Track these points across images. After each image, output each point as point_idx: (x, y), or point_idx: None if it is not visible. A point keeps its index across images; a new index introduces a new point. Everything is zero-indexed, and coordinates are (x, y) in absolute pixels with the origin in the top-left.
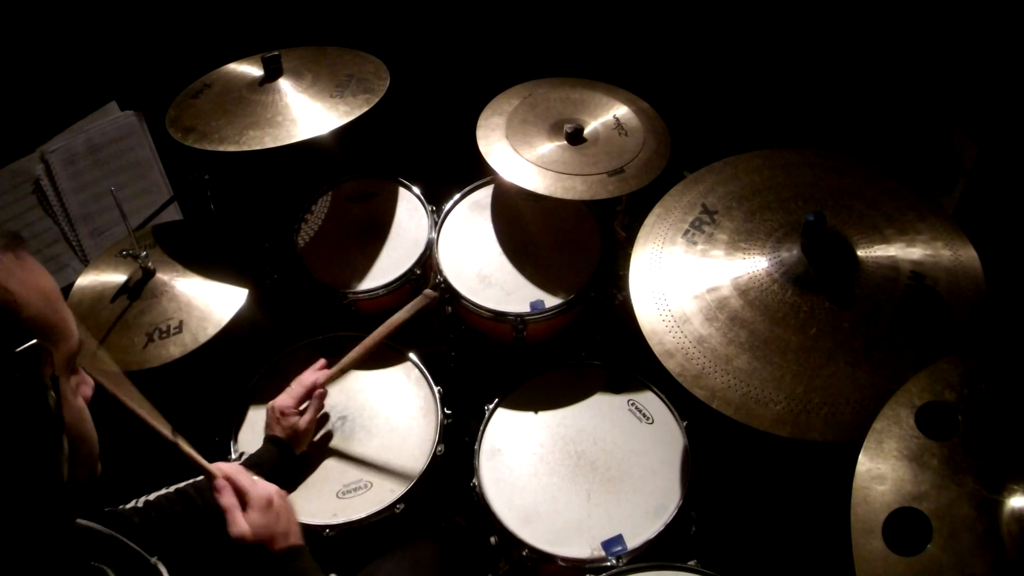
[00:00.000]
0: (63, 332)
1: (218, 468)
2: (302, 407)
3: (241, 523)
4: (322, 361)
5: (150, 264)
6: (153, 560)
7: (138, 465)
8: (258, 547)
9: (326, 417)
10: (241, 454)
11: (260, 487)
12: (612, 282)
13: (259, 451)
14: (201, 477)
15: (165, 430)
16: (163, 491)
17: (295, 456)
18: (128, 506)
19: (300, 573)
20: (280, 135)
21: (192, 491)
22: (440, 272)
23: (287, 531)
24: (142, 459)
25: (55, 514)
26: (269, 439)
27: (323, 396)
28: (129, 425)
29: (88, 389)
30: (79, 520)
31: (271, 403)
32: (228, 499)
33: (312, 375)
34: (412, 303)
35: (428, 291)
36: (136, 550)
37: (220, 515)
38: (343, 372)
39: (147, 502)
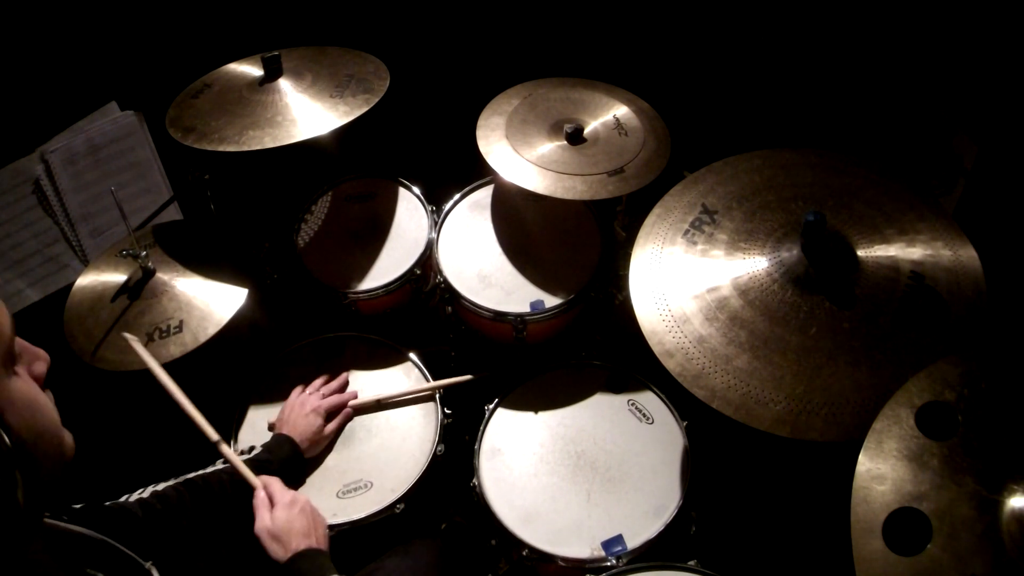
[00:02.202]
0: None
1: (261, 479)
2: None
3: (265, 517)
4: (345, 375)
5: (150, 264)
6: (147, 565)
7: (149, 454)
8: (276, 543)
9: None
10: (251, 448)
11: (291, 491)
12: (612, 282)
13: (270, 443)
14: (210, 469)
15: (211, 432)
16: (171, 481)
17: (304, 459)
18: (133, 497)
19: (309, 571)
20: (280, 135)
21: (200, 482)
22: (440, 272)
23: (307, 531)
24: (152, 449)
25: (19, 536)
26: (280, 436)
27: (350, 416)
28: (147, 417)
29: (42, 364)
30: (69, 526)
31: (299, 398)
32: (259, 499)
33: (351, 393)
34: (467, 377)
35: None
36: (129, 555)
37: (226, 509)
38: (376, 407)
39: (154, 492)
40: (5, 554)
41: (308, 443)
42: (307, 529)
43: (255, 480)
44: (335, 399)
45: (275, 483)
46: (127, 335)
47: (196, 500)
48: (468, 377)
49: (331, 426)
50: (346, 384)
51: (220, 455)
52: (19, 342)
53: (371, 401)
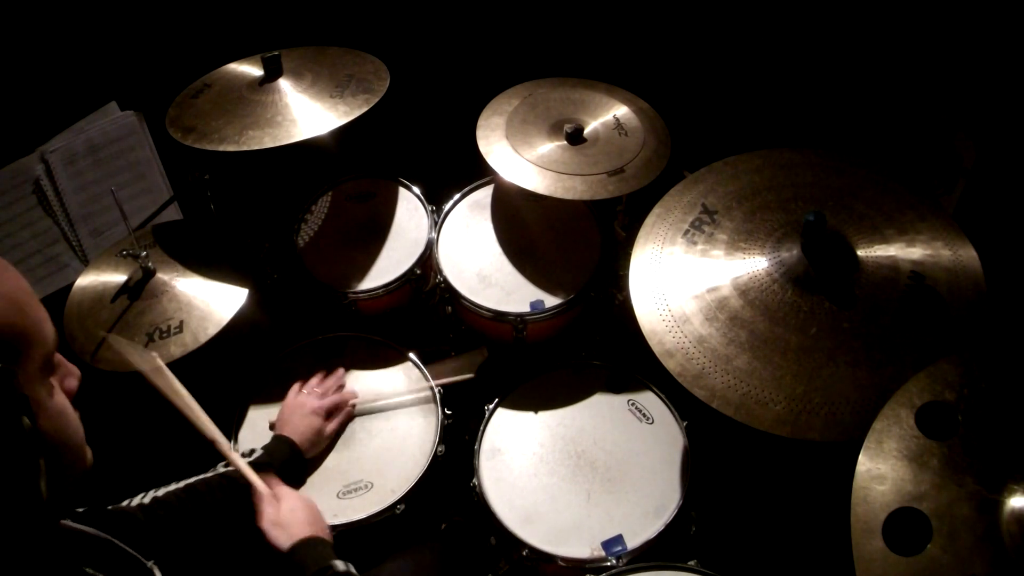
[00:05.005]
0: (36, 335)
1: (269, 485)
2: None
3: (269, 510)
4: (341, 370)
5: (150, 264)
6: (149, 564)
7: (150, 458)
8: (279, 531)
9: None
10: (251, 451)
11: (295, 491)
12: (612, 282)
13: (270, 444)
14: (211, 473)
15: (220, 438)
16: (172, 486)
17: (304, 459)
18: (135, 503)
19: (311, 558)
20: (280, 135)
21: (202, 487)
22: (440, 272)
23: (312, 521)
24: (154, 452)
25: (37, 528)
26: (280, 438)
27: (350, 415)
28: (148, 420)
29: (74, 380)
30: (72, 524)
31: (298, 398)
32: (264, 496)
33: (351, 392)
34: (462, 369)
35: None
36: (131, 554)
37: (228, 513)
38: (376, 406)
39: (155, 498)
40: (19, 546)
41: (308, 443)
42: (311, 519)
43: (264, 488)
44: (334, 398)
45: (280, 483)
46: (153, 354)
47: (198, 505)
48: (469, 376)
49: (331, 426)
50: (343, 380)
51: (221, 458)
52: (56, 355)
53: (371, 400)
